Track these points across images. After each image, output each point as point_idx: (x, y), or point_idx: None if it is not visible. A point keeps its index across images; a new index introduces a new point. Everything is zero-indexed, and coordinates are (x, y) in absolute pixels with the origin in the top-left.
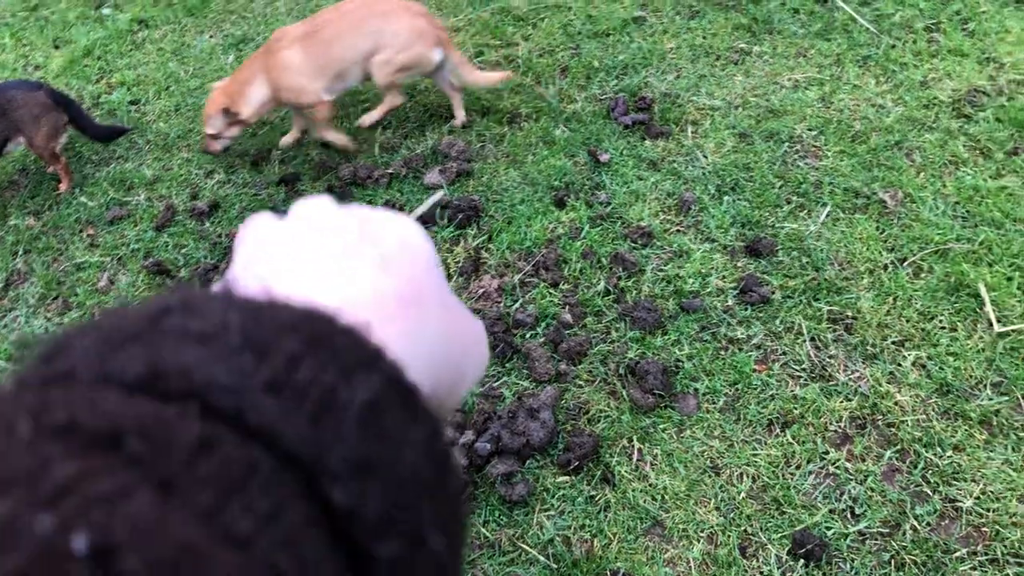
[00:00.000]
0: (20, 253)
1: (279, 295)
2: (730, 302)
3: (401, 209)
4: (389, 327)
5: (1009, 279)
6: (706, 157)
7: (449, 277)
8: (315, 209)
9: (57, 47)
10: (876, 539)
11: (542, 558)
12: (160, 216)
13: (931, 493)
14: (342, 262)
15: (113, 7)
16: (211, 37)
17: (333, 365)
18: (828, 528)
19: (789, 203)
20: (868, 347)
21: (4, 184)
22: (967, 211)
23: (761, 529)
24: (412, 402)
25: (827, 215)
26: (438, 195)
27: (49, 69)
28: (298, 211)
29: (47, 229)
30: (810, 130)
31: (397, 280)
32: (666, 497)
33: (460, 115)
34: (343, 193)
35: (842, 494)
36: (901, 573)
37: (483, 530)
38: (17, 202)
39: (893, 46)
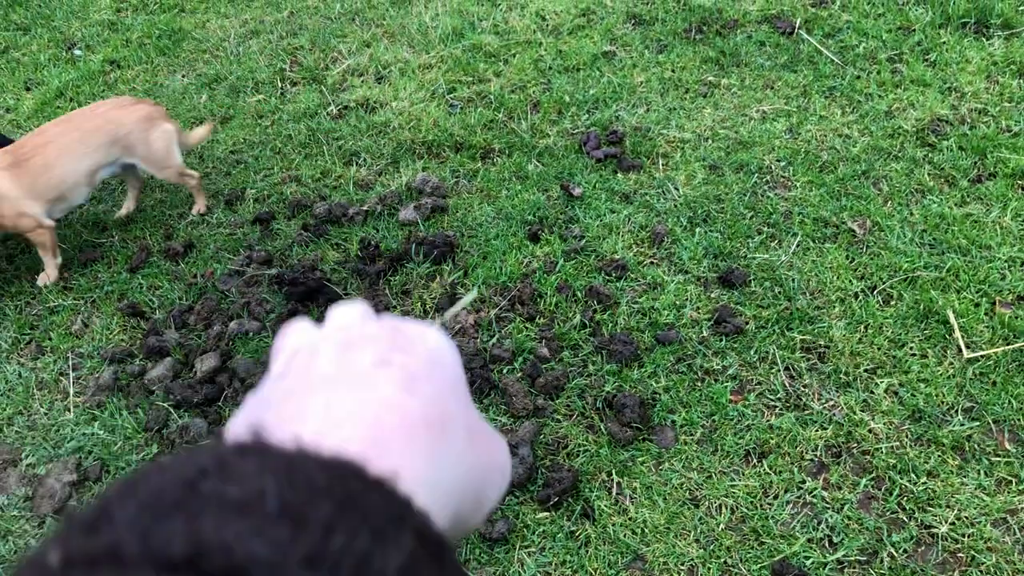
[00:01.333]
0: None
1: (309, 443)
2: (705, 333)
3: (377, 247)
4: (414, 451)
5: (976, 305)
6: (677, 189)
7: (425, 313)
8: (349, 317)
9: (29, 89)
10: (854, 567)
11: None
12: (134, 257)
13: (907, 520)
14: (370, 380)
15: (84, 48)
16: (184, 77)
17: (366, 528)
18: (807, 558)
19: (760, 233)
20: (841, 375)
21: None
22: (934, 238)
23: (741, 560)
24: (441, 555)
25: (798, 245)
26: (470, 295)
27: (20, 111)
28: (333, 319)
29: (19, 272)
30: (779, 161)
31: (423, 401)
32: (646, 531)
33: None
34: (318, 231)
35: (819, 523)
36: None
37: (464, 569)
38: None
39: (858, 77)
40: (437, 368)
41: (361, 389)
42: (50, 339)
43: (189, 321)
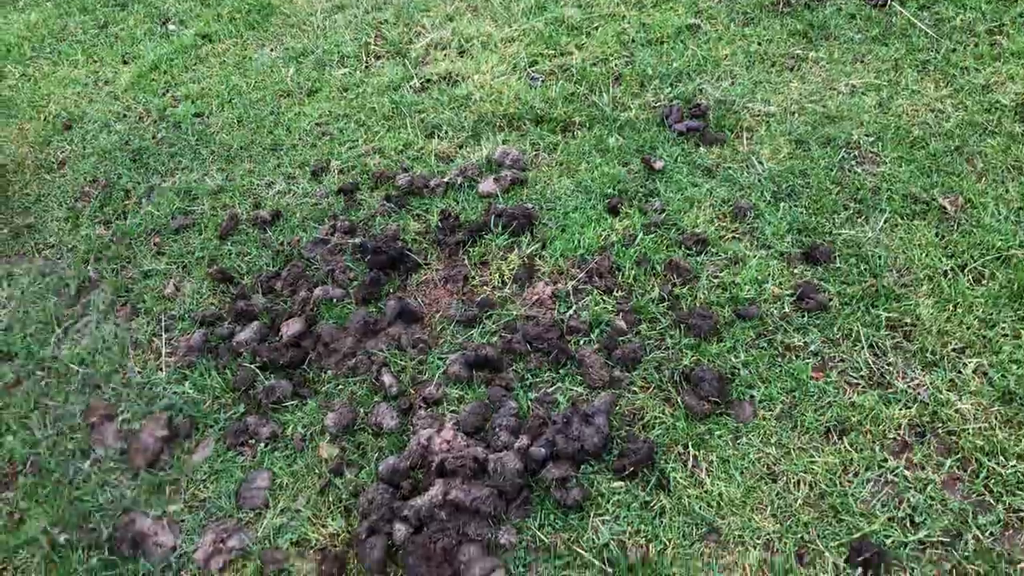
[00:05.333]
0: (91, 261)
1: None
2: (787, 309)
3: (457, 219)
4: None
5: None
6: (762, 164)
7: (503, 284)
8: None
9: (126, 62)
10: (937, 548)
11: (597, 562)
12: (224, 225)
13: (994, 502)
14: None
15: (178, 23)
16: (272, 51)
17: None
18: (887, 536)
19: (846, 209)
20: (928, 354)
21: (76, 195)
22: None
23: (819, 536)
24: None
25: (885, 221)
26: None
27: (118, 84)
28: None
29: (116, 238)
30: (868, 136)
31: None
32: (722, 504)
33: None
34: (400, 202)
35: (901, 502)
36: None
37: (538, 533)
38: (88, 212)
39: (953, 50)
40: None
41: None
42: (144, 301)
43: (276, 287)
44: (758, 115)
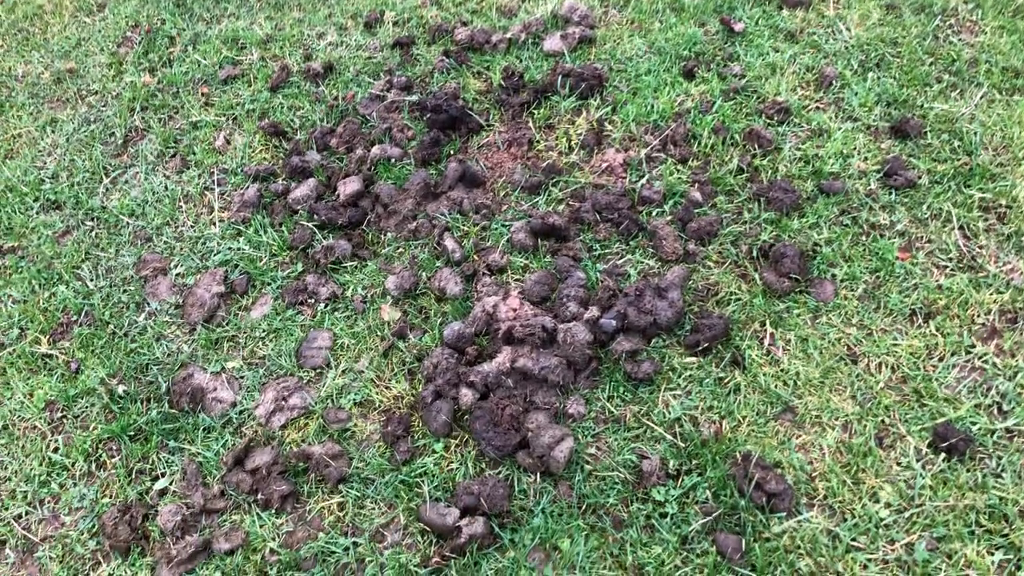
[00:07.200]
0: (137, 110)
1: None
2: (873, 185)
3: (521, 78)
4: None
5: None
6: (849, 30)
7: (570, 149)
8: None
9: None
10: None
11: (668, 436)
12: (274, 76)
13: None
14: None
15: None
16: None
17: None
18: (973, 423)
19: (940, 82)
20: (1023, 238)
21: (118, 40)
22: None
23: (900, 420)
24: None
25: (982, 96)
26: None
27: None
28: None
29: (162, 87)
30: (966, 3)
31: None
32: (799, 383)
33: None
34: (459, 58)
35: (989, 389)
36: None
37: (608, 405)
38: (132, 59)
39: None
40: None
41: None
42: (194, 153)
43: (331, 143)
44: None
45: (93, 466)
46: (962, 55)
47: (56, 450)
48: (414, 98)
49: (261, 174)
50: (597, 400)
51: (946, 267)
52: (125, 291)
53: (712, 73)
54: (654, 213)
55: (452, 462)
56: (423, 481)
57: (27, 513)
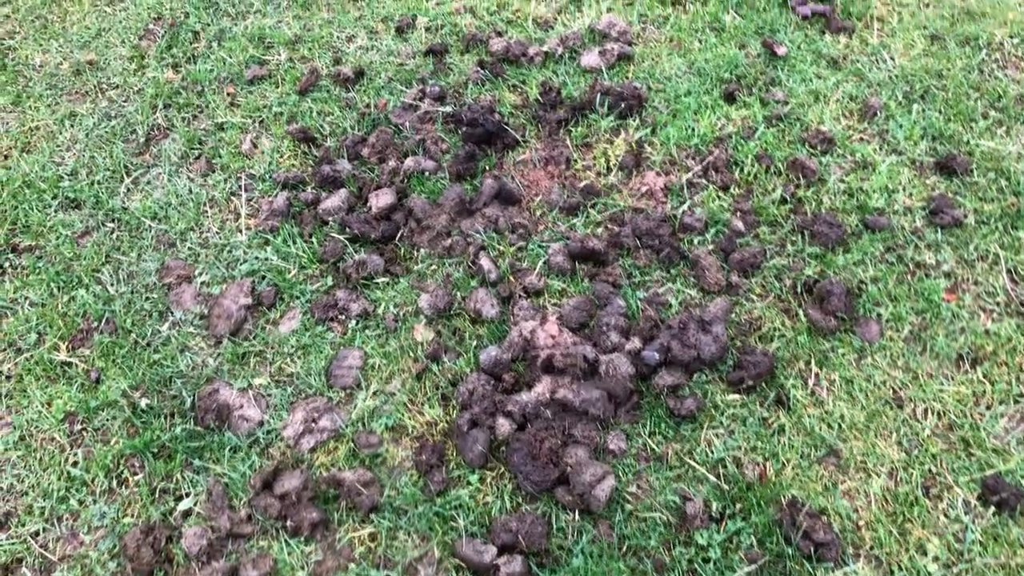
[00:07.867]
0: (160, 107)
1: None
2: (918, 223)
3: (558, 93)
4: None
5: None
6: (893, 59)
7: (608, 170)
8: None
9: None
10: None
11: (712, 477)
12: (303, 79)
13: None
14: None
15: None
16: None
17: None
18: (1023, 477)
19: (986, 118)
20: None
21: (140, 32)
22: None
23: (948, 470)
24: None
25: None
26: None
27: None
28: None
29: (186, 84)
30: (1012, 37)
31: None
32: (843, 426)
33: None
34: (495, 69)
35: None
36: None
37: (648, 442)
38: (154, 53)
39: None
40: None
41: None
42: (220, 156)
43: (362, 153)
44: (890, 3)
45: (114, 483)
46: (1008, 91)
47: (75, 464)
48: (448, 109)
49: (290, 182)
50: (638, 436)
51: (993, 311)
52: (148, 298)
53: (754, 97)
54: (696, 241)
55: (487, 495)
56: (458, 514)
57: (44, 530)
